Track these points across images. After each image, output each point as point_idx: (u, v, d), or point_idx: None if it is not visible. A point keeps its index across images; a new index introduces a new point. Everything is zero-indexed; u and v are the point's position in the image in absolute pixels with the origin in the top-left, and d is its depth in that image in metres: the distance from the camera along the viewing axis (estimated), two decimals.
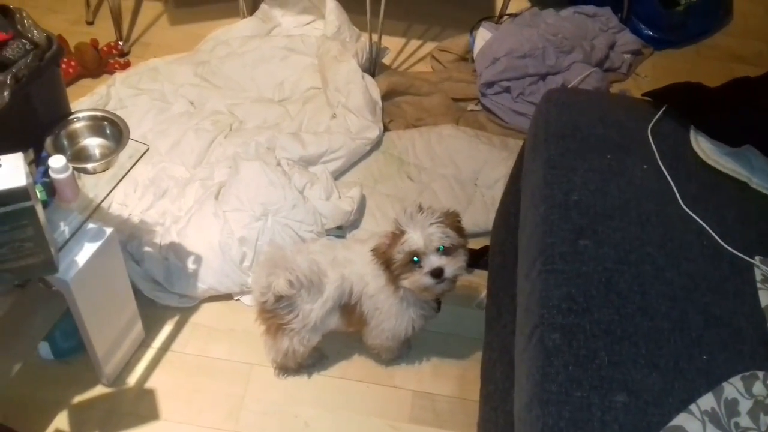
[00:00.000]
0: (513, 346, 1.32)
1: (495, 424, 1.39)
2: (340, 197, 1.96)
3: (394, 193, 2.08)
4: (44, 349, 1.63)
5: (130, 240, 1.81)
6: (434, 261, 1.39)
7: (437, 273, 1.39)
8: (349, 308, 1.53)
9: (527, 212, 1.43)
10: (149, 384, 1.66)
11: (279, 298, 1.45)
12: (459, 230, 1.45)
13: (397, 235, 1.41)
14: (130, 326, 1.64)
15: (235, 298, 1.84)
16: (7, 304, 1.25)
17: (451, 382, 1.74)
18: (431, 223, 1.39)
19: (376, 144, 2.19)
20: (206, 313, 1.81)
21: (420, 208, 1.44)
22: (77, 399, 1.61)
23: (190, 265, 1.77)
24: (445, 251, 1.40)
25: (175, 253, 1.78)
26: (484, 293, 1.87)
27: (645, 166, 1.41)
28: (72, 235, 1.31)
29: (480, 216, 2.04)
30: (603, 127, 1.50)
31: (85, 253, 1.34)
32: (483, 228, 2.02)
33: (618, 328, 1.14)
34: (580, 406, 1.05)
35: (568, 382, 1.08)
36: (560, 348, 1.12)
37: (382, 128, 2.21)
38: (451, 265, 1.40)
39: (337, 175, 2.10)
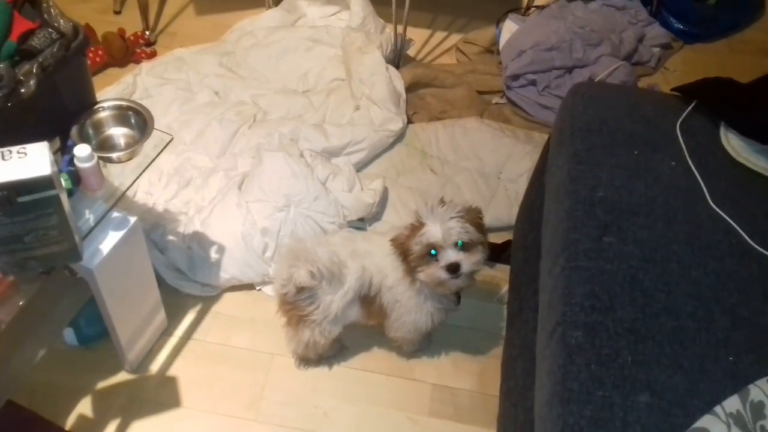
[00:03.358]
0: (534, 343, 1.31)
1: (515, 421, 1.39)
2: (362, 189, 1.95)
3: (417, 185, 2.08)
4: (69, 335, 1.65)
5: (154, 229, 1.83)
6: (451, 255, 1.38)
7: (453, 268, 1.38)
8: (369, 300, 1.53)
9: (551, 207, 1.42)
10: (171, 371, 1.67)
11: (300, 290, 1.45)
12: (479, 227, 1.43)
13: (417, 226, 1.40)
14: (153, 314, 1.65)
15: (257, 288, 1.85)
16: (32, 290, 1.26)
17: (471, 377, 1.73)
18: (451, 217, 1.38)
19: (400, 136, 2.18)
20: (228, 303, 1.82)
21: (442, 202, 1.42)
22: (100, 385, 1.63)
23: (213, 254, 1.78)
24: (464, 246, 1.39)
25: (199, 242, 1.79)
26: (505, 288, 1.86)
27: (673, 163, 1.39)
28: (96, 224, 1.32)
29: (503, 210, 2.03)
30: (630, 122, 1.47)
31: (109, 241, 1.35)
32: (506, 222, 2.00)
33: (642, 327, 1.12)
34: (601, 406, 1.04)
35: (589, 381, 1.07)
36: (582, 346, 1.11)
37: (406, 120, 2.20)
38: (468, 261, 1.39)
39: (360, 167, 2.10)
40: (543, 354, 1.21)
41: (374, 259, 1.51)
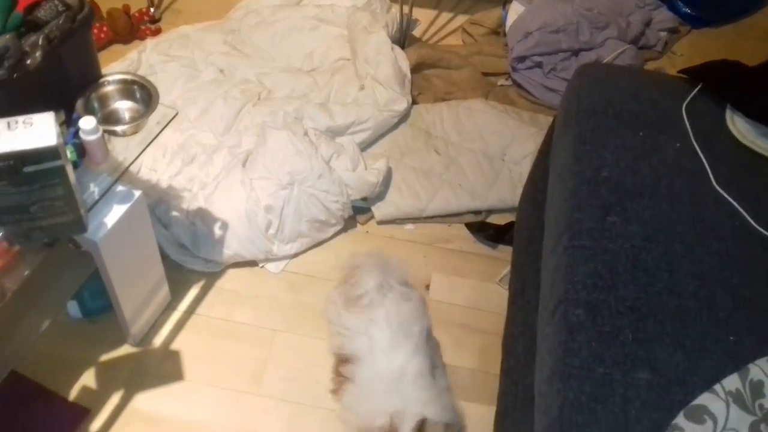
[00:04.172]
0: (536, 322, 1.32)
1: (515, 398, 1.40)
2: (366, 169, 1.95)
3: (421, 166, 2.08)
4: (73, 308, 1.67)
5: (158, 204, 1.83)
6: None
7: None
8: None
9: (555, 187, 1.42)
10: (174, 345, 1.69)
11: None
12: None
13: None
14: (156, 288, 1.66)
15: (260, 265, 1.86)
16: (36, 261, 1.26)
17: (472, 355, 1.74)
18: None
19: (404, 117, 2.18)
20: (231, 279, 1.83)
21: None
22: (104, 357, 1.65)
23: (217, 230, 1.79)
24: None
25: (202, 218, 1.80)
26: (507, 269, 1.86)
27: (678, 145, 1.39)
28: (101, 197, 1.33)
29: (506, 191, 2.03)
30: (636, 104, 1.47)
31: (114, 214, 1.36)
32: (509, 204, 2.01)
33: (644, 306, 1.13)
34: (602, 382, 1.05)
35: (590, 358, 1.08)
36: (584, 323, 1.12)
37: (411, 101, 2.20)
38: None
39: (364, 146, 2.09)
40: (544, 332, 1.22)
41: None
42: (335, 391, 1.54)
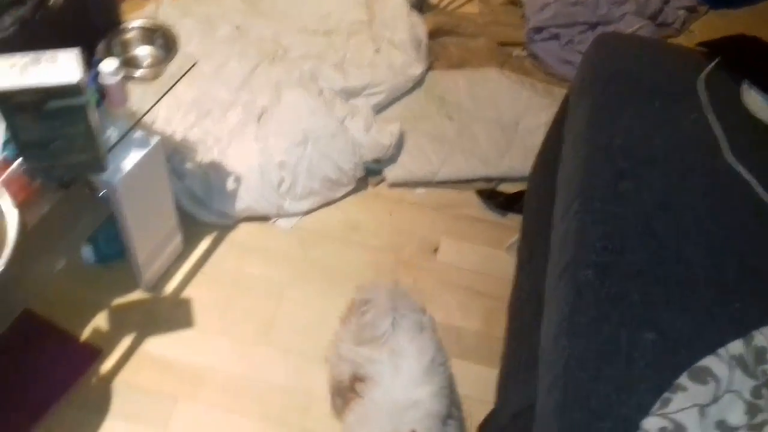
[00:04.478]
0: (544, 287, 1.34)
1: (519, 359, 1.43)
2: (379, 131, 1.96)
3: (433, 131, 2.08)
4: (87, 252, 1.69)
5: (172, 156, 1.84)
6: None
7: None
8: None
9: (569, 154, 1.43)
10: (186, 294, 1.72)
11: None
12: None
13: None
14: (170, 237, 1.69)
15: (272, 220, 1.88)
16: (54, 199, 1.27)
17: (477, 318, 1.77)
18: None
19: (419, 82, 2.18)
20: (243, 232, 1.85)
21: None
22: (117, 301, 1.68)
23: (230, 184, 1.81)
24: None
25: (216, 171, 1.82)
26: (516, 237, 1.88)
27: (693, 116, 1.40)
28: (119, 140, 1.34)
29: (518, 160, 2.04)
30: (653, 74, 1.48)
31: (131, 159, 1.38)
32: (520, 173, 2.02)
33: (652, 271, 1.15)
34: (608, 341, 1.07)
35: (597, 317, 1.10)
36: (592, 284, 1.14)
37: (426, 66, 2.20)
38: None
39: (378, 110, 2.10)
40: (552, 294, 1.24)
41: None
42: (341, 411, 1.46)
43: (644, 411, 0.99)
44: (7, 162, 1.17)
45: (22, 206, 1.16)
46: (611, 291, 1.12)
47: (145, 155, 1.40)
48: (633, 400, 1.01)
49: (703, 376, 1.02)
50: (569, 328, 1.11)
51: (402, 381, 1.33)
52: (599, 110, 1.40)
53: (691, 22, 2.68)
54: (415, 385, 1.33)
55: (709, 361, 1.04)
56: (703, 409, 0.96)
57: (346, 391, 1.40)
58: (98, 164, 1.23)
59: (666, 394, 1.00)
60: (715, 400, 0.99)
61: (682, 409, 0.96)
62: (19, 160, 1.17)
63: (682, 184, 1.27)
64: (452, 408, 1.45)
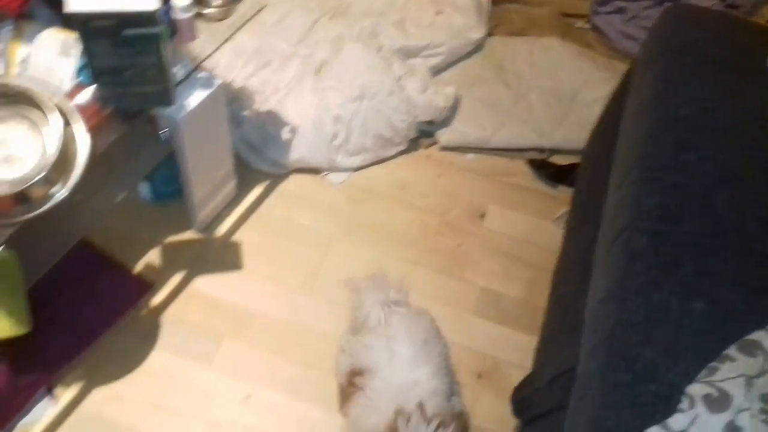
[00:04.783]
0: (592, 254, 1.34)
1: (561, 324, 1.43)
2: (435, 92, 1.96)
3: (490, 98, 2.07)
4: (145, 190, 1.74)
5: (231, 103, 1.87)
6: None
7: None
8: None
9: (631, 123, 1.41)
10: (236, 237, 1.76)
11: None
12: None
13: None
14: (224, 181, 1.72)
15: (323, 174, 1.91)
16: (119, 131, 1.31)
17: (519, 285, 1.77)
18: None
19: (478, 47, 2.16)
20: (294, 183, 1.88)
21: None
22: (169, 239, 1.73)
23: (285, 134, 1.83)
24: None
25: (272, 121, 1.84)
26: (564, 209, 1.87)
27: (761, 92, 1.36)
28: (187, 76, 1.37)
29: (573, 133, 2.02)
30: (723, 48, 1.45)
31: (195, 97, 1.41)
32: (574, 145, 1.99)
33: (708, 242, 1.14)
34: (657, 307, 1.07)
35: (648, 284, 1.10)
36: (646, 251, 1.13)
37: (486, 32, 2.18)
38: None
39: (435, 72, 2.09)
40: (602, 259, 1.24)
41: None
42: (343, 405, 1.44)
43: (690, 378, 0.99)
44: (82, 86, 1.21)
45: (92, 132, 1.20)
46: (665, 259, 1.12)
47: (209, 95, 1.43)
48: (679, 366, 1.01)
49: (752, 349, 1.01)
50: (619, 292, 1.11)
51: (399, 365, 1.33)
52: (666, 80, 1.38)
53: (762, 6, 2.59)
54: (411, 367, 1.33)
55: (759, 335, 1.03)
56: (750, 380, 0.96)
57: (346, 387, 1.40)
58: (167, 97, 1.26)
59: (713, 363, 0.99)
60: (763, 373, 0.98)
61: (729, 378, 0.96)
62: (94, 85, 1.20)
63: (745, 158, 1.25)
64: (454, 386, 1.47)
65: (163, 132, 1.56)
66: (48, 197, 1.17)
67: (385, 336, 1.38)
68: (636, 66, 1.57)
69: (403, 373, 1.31)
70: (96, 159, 1.24)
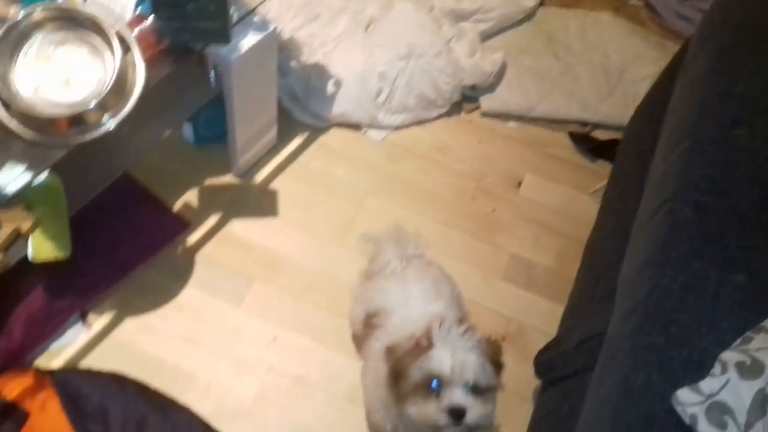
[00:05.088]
0: (629, 226, 1.33)
1: (593, 293, 1.43)
2: (483, 57, 1.95)
3: (537, 67, 2.05)
4: (188, 131, 1.77)
5: (279, 52, 1.88)
6: (458, 397, 1.10)
7: (457, 413, 1.09)
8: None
9: (682, 99, 1.40)
10: (273, 185, 1.78)
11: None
12: (498, 366, 1.16)
13: (423, 346, 1.14)
14: (266, 128, 1.74)
15: (363, 130, 1.91)
16: (173, 67, 1.33)
17: (550, 254, 1.78)
18: (470, 348, 1.12)
19: (529, 15, 2.14)
20: (334, 137, 1.89)
21: (461, 322, 1.19)
22: (208, 182, 1.76)
23: (329, 87, 1.84)
24: (475, 389, 1.11)
25: (318, 73, 1.85)
26: (603, 183, 1.85)
27: None
28: (244, 16, 1.38)
29: (617, 109, 2.00)
30: None
31: (249, 40, 1.42)
32: (618, 121, 1.97)
33: (753, 217, 1.12)
34: (697, 276, 1.06)
35: (689, 253, 1.09)
36: (689, 221, 1.13)
37: (539, 1, 2.16)
38: (476, 409, 1.10)
39: (484, 37, 2.08)
40: (642, 229, 1.23)
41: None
42: (361, 348, 1.45)
43: (723, 346, 0.98)
44: (142, 17, 1.22)
45: (149, 65, 1.22)
46: (708, 230, 1.11)
47: (262, 39, 1.43)
48: (713, 334, 1.00)
49: None
50: (659, 259, 1.10)
51: (414, 303, 1.34)
52: (723, 56, 1.35)
53: None
54: (426, 303, 1.34)
55: None
56: None
57: (362, 333, 1.41)
58: (225, 35, 1.27)
59: (748, 333, 0.99)
60: None
61: (763, 348, 0.95)
62: (152, 16, 1.22)
63: None
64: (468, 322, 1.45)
65: (213, 73, 1.57)
66: (101, 124, 1.19)
67: (399, 280, 1.40)
68: (692, 43, 1.54)
69: (419, 308, 1.33)
70: (148, 92, 1.26)
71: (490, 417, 1.12)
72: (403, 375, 1.14)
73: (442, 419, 1.10)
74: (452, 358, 1.10)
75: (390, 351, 1.19)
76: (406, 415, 1.15)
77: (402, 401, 1.15)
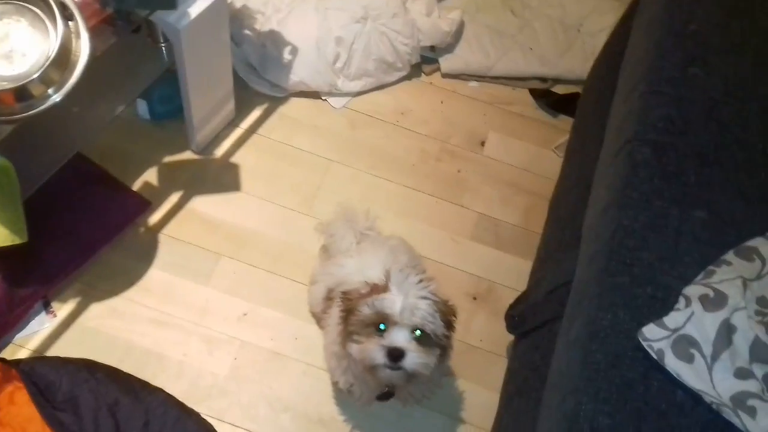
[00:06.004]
0: (592, 173, 1.33)
1: (558, 241, 1.44)
2: (440, 17, 1.92)
3: (494, 24, 2.03)
4: (142, 107, 1.72)
5: (231, 22, 1.83)
6: (399, 338, 1.09)
7: (395, 355, 1.09)
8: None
9: (638, 41, 1.39)
10: (234, 159, 1.75)
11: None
12: (449, 326, 1.15)
13: (378, 287, 1.14)
14: (223, 102, 1.70)
15: (323, 98, 1.88)
16: (118, 35, 1.28)
17: (517, 212, 1.77)
18: (423, 297, 1.11)
19: None
20: (294, 106, 1.86)
21: (421, 273, 1.20)
22: (167, 159, 1.72)
23: (286, 55, 1.80)
24: (421, 338, 1.11)
25: (273, 41, 1.81)
26: (565, 138, 1.85)
27: None
28: None
29: (576, 62, 1.99)
30: None
31: (197, 6, 1.37)
32: (577, 75, 1.97)
33: (711, 154, 1.13)
34: (658, 215, 1.07)
35: (650, 192, 1.09)
36: (649, 161, 1.13)
37: None
38: (416, 356, 1.09)
39: None
40: (604, 173, 1.23)
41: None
42: (322, 322, 1.44)
43: (687, 281, 0.99)
44: None
45: (93, 32, 1.17)
46: (667, 169, 1.11)
47: (211, 5, 1.38)
48: (676, 270, 1.01)
49: (749, 254, 1.01)
50: (620, 200, 1.10)
51: (371, 272, 1.28)
52: None
53: None
54: (383, 270, 1.28)
55: (757, 242, 1.03)
56: (746, 282, 0.96)
57: (324, 309, 1.39)
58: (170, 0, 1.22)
59: (710, 267, 1.00)
60: (759, 277, 0.99)
61: (726, 280, 0.96)
62: None
63: (753, 75, 1.23)
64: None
65: (164, 45, 1.53)
66: (47, 96, 1.14)
67: (356, 254, 1.39)
68: None
69: (376, 276, 1.27)
70: (95, 63, 1.22)
71: (429, 367, 1.11)
72: (353, 312, 1.13)
73: (380, 357, 1.09)
74: (403, 300, 1.09)
75: (346, 294, 1.19)
76: (349, 355, 1.14)
77: (346, 339, 1.14)
